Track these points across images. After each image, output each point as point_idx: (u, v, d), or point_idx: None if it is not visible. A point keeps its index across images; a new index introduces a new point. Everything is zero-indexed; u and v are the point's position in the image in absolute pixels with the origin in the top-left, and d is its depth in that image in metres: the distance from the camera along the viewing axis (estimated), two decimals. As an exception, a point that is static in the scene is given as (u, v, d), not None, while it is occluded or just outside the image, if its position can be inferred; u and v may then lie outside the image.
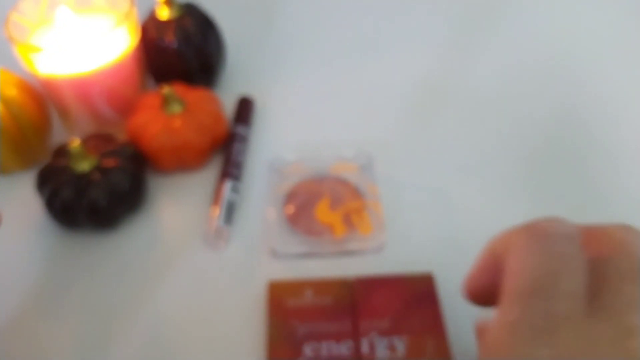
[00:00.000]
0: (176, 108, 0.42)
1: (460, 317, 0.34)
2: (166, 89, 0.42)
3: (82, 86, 0.42)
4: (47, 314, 0.37)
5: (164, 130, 0.42)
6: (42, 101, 0.44)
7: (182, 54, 0.46)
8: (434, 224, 0.41)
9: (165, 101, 0.42)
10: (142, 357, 0.35)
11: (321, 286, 0.36)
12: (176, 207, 0.43)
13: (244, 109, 0.48)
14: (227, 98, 0.48)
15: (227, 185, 0.42)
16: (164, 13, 0.46)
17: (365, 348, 0.33)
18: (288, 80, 0.52)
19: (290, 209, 0.41)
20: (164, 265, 0.39)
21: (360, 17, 0.58)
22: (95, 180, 0.39)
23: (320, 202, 0.41)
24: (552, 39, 0.55)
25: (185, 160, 0.43)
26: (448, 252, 0.39)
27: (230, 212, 0.41)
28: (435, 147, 0.46)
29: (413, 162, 0.45)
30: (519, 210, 0.41)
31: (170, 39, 0.45)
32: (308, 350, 0.33)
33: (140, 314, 0.37)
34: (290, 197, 0.42)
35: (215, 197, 0.42)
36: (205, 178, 0.44)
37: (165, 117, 0.42)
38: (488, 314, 0.27)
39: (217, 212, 0.40)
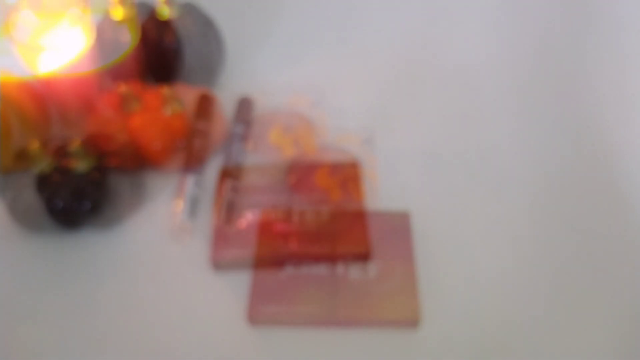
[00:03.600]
0: (134, 106, 0.42)
1: (430, 251, 0.39)
2: (123, 88, 0.41)
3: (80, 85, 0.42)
4: (30, 314, 0.37)
5: (122, 130, 0.42)
6: (43, 101, 0.44)
7: (182, 54, 0.46)
8: (423, 186, 0.43)
9: (125, 100, 0.42)
10: (135, 352, 0.35)
11: (307, 214, 0.40)
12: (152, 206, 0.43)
13: (244, 109, 0.48)
14: (227, 98, 0.48)
15: (190, 181, 0.42)
16: (164, 13, 0.46)
17: (340, 269, 0.37)
18: (288, 80, 0.52)
19: (292, 178, 0.43)
20: (134, 263, 0.40)
21: (359, 13, 0.58)
22: (95, 180, 0.39)
23: (320, 170, 0.43)
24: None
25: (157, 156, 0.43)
26: (428, 198, 0.43)
27: (193, 207, 0.41)
28: (431, 121, 0.49)
29: (413, 137, 0.47)
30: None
31: (170, 39, 0.45)
32: (290, 267, 0.37)
33: (122, 308, 0.37)
34: (291, 168, 0.44)
35: (178, 193, 0.42)
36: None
37: (124, 116, 0.42)
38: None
39: (180, 207, 0.41)
